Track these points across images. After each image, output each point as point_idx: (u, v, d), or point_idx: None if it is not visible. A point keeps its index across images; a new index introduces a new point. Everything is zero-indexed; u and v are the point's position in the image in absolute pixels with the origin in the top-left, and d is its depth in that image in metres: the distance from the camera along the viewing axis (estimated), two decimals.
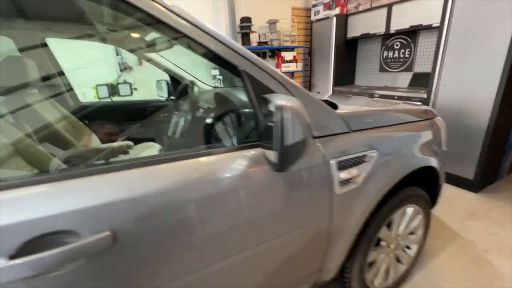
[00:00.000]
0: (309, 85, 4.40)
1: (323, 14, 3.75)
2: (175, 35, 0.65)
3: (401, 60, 3.22)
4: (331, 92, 3.87)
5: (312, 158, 0.82)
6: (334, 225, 0.94)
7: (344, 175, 0.90)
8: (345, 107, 1.07)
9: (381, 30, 3.11)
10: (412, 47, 3.07)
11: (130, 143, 1.12)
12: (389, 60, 3.38)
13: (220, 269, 0.71)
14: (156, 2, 0.60)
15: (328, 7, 3.64)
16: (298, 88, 0.85)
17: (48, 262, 0.47)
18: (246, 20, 3.48)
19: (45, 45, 1.58)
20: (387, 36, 3.28)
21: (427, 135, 1.22)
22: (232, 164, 0.68)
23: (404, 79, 3.23)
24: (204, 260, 0.68)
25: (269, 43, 3.76)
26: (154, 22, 0.61)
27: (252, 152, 0.71)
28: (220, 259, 0.70)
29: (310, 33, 4.12)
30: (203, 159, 0.65)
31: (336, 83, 3.82)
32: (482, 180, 2.35)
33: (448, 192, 2.39)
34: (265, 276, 0.85)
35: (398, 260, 1.37)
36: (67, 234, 0.50)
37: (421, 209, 1.31)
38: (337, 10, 3.52)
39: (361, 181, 0.95)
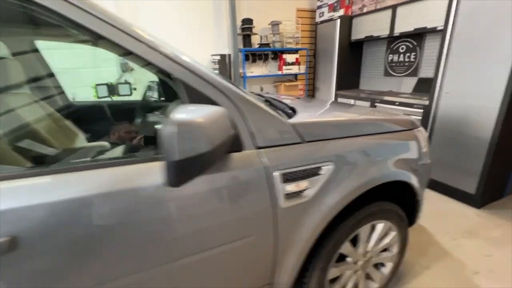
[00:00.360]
0: (312, 88, 4.32)
1: (327, 15, 3.66)
2: (92, 37, 0.63)
3: (406, 64, 3.07)
4: (333, 97, 3.77)
5: (249, 169, 0.79)
6: (281, 239, 0.90)
7: (290, 188, 0.86)
8: (303, 116, 1.02)
9: (385, 32, 2.98)
10: (418, 51, 2.91)
11: (105, 143, 1.14)
12: (394, 64, 3.23)
13: (139, 280, 0.70)
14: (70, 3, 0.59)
15: (332, 8, 3.55)
16: (241, 95, 0.82)
17: None
18: (247, 21, 3.47)
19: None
20: (392, 39, 3.14)
21: (401, 147, 1.14)
22: (135, 176, 0.66)
23: (409, 84, 3.08)
24: (114, 271, 0.67)
25: (271, 45, 3.72)
26: (69, 24, 0.60)
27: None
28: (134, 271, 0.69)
29: (314, 35, 4.03)
30: (119, 168, 0.64)
31: (340, 86, 3.71)
32: (486, 195, 2.18)
33: (447, 206, 2.24)
34: (204, 286, 0.83)
35: (369, 277, 1.29)
36: None
37: (395, 225, 1.23)
38: (341, 12, 3.42)
39: (313, 195, 0.90)
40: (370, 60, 3.61)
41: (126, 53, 0.66)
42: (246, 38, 3.55)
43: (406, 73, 3.10)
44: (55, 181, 0.60)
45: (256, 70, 3.84)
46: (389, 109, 2.83)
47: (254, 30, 3.60)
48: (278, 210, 0.85)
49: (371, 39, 3.26)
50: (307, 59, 4.02)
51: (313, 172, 0.90)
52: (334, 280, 1.18)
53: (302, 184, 0.88)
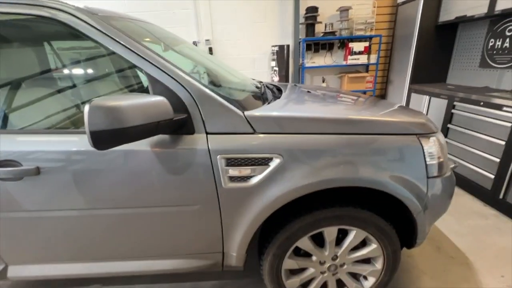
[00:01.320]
0: (386, 81, 3.79)
1: None
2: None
3: None
4: (405, 92, 3.22)
5: (194, 150, 0.94)
6: (225, 215, 1.02)
7: (233, 172, 0.97)
8: (269, 107, 1.07)
9: (482, 10, 2.30)
10: None
11: None
12: (495, 52, 2.47)
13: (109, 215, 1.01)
14: None
15: None
16: (199, 88, 0.96)
17: (7, 173, 0.90)
18: (311, 10, 3.37)
19: None
20: (497, 18, 2.39)
21: (383, 152, 1.01)
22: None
23: None
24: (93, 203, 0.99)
25: (337, 33, 3.49)
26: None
27: None
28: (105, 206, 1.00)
29: (393, 19, 3.49)
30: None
31: (416, 79, 3.14)
32: None
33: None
34: (156, 236, 1.07)
35: (342, 284, 1.23)
36: (15, 162, 0.92)
37: (375, 238, 1.11)
38: None
39: (256, 182, 0.97)
40: (462, 46, 2.86)
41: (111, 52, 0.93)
42: (309, 27, 3.46)
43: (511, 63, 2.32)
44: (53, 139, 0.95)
45: (318, 60, 3.71)
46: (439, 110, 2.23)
47: (320, 18, 3.46)
48: (221, 189, 0.98)
49: (464, 20, 2.58)
50: (379, 47, 3.55)
51: (259, 162, 0.96)
52: (296, 272, 1.20)
53: (245, 171, 0.97)
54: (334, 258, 1.16)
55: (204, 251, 1.13)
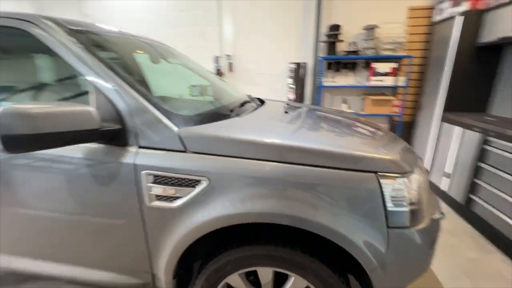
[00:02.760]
0: (416, 106, 3.39)
1: (449, 12, 2.76)
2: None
3: None
4: (437, 121, 2.82)
5: (119, 163, 0.91)
6: (150, 233, 0.97)
7: (156, 190, 0.91)
8: (211, 127, 0.99)
9: None
10: None
11: None
12: None
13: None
14: None
15: (455, 2, 2.64)
16: (138, 100, 0.94)
17: None
18: (334, 28, 3.23)
19: None
20: None
21: (333, 188, 0.85)
22: None
23: None
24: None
25: (360, 52, 3.28)
26: None
27: None
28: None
29: (428, 39, 3.15)
30: None
31: (451, 107, 2.73)
32: None
33: None
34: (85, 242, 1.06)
35: None
36: None
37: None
38: (465, 6, 2.49)
39: (181, 204, 0.90)
40: (511, 72, 2.41)
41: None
42: (331, 46, 3.32)
43: None
44: None
45: (340, 80, 3.51)
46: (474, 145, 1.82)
47: (344, 37, 3.30)
48: (144, 207, 0.93)
49: (511, 42, 2.19)
50: (409, 69, 3.21)
51: (185, 183, 0.89)
52: None
53: (169, 191, 0.91)
54: None
55: (132, 268, 1.07)
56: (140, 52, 1.48)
